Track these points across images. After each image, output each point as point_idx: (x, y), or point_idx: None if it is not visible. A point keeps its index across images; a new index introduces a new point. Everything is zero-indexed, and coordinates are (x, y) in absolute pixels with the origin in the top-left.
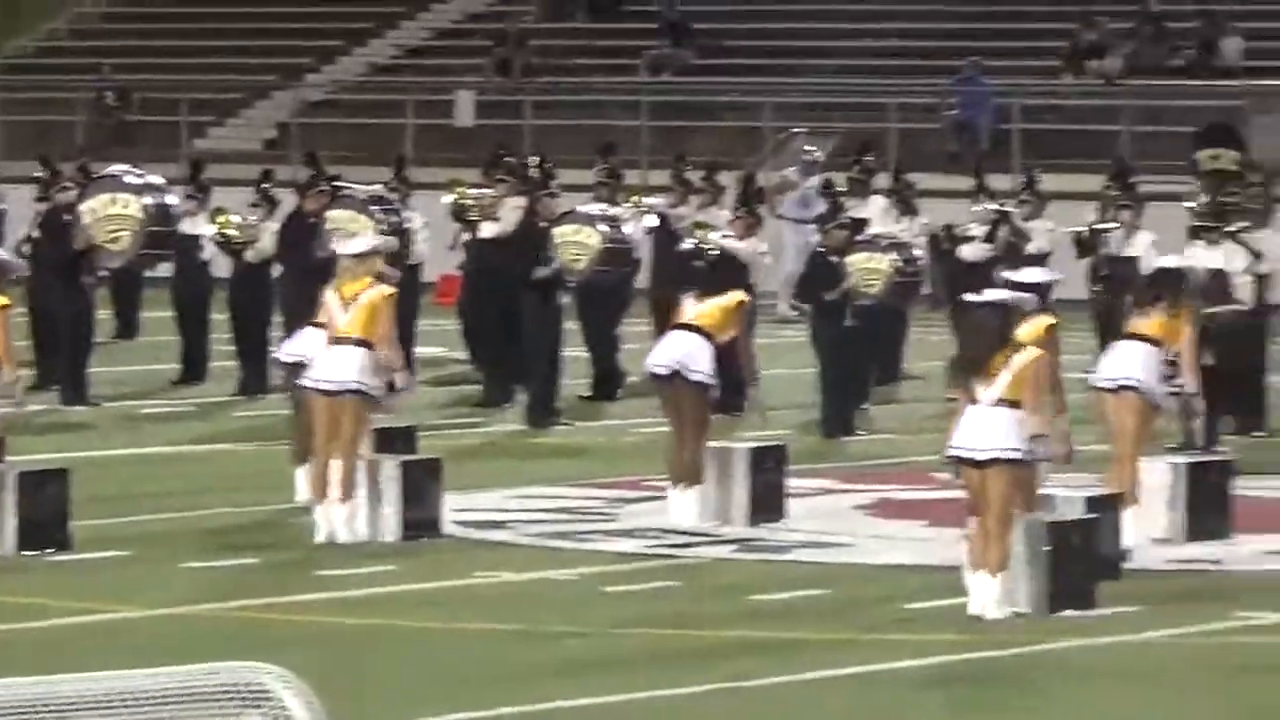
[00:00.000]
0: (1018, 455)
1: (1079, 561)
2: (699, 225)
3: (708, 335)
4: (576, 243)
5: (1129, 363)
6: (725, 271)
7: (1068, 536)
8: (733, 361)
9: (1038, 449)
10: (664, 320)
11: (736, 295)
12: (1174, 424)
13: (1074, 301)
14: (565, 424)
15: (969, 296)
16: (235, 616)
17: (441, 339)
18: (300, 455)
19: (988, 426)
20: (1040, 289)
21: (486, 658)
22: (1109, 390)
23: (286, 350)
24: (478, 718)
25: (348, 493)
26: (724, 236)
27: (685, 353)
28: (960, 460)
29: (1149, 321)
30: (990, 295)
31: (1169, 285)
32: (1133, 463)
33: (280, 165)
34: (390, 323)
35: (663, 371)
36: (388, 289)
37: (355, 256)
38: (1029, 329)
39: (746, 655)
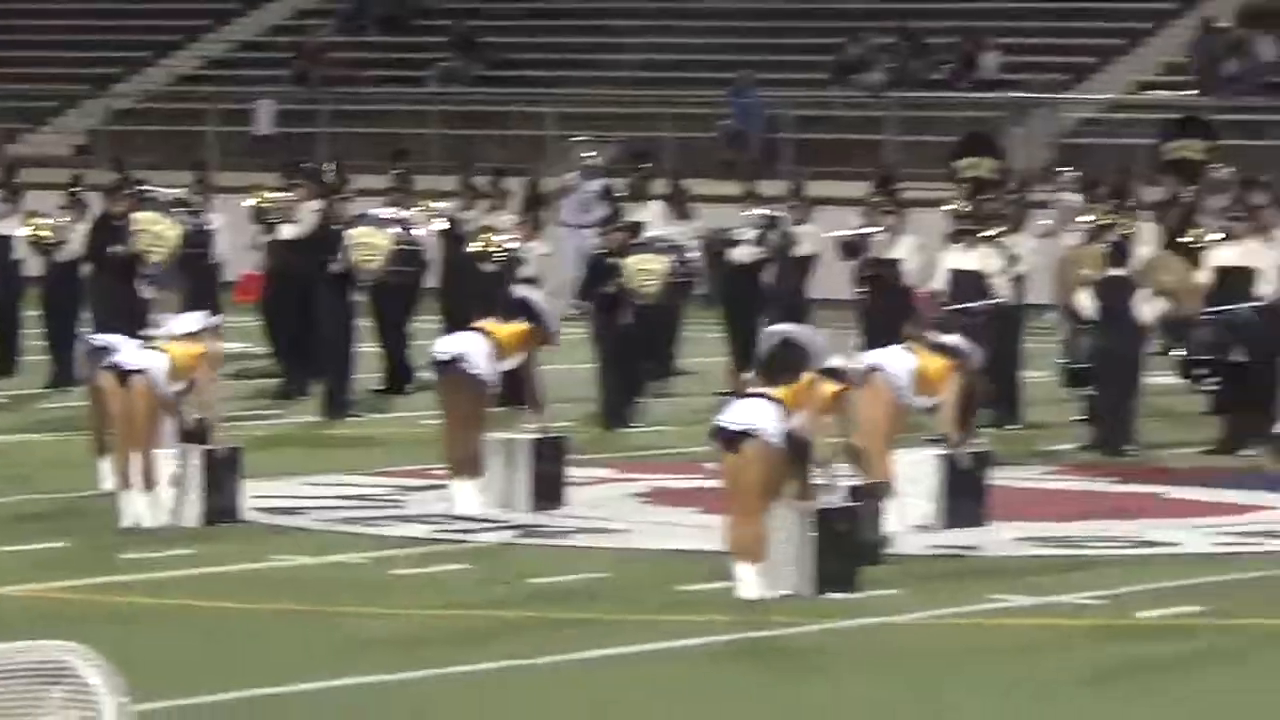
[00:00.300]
0: (773, 438)
1: (842, 547)
2: (485, 229)
3: (496, 343)
4: (369, 244)
5: (877, 355)
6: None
7: (832, 523)
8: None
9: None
10: (453, 317)
11: (526, 324)
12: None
13: (838, 302)
14: (358, 416)
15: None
16: (41, 598)
17: (242, 335)
18: (100, 446)
19: (748, 408)
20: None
21: (282, 637)
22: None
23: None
24: (274, 693)
25: (150, 481)
26: (509, 239)
27: (468, 348)
28: (718, 440)
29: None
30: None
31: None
32: (884, 455)
33: (90, 170)
34: (211, 384)
35: (444, 358)
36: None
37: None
38: None
39: (528, 635)
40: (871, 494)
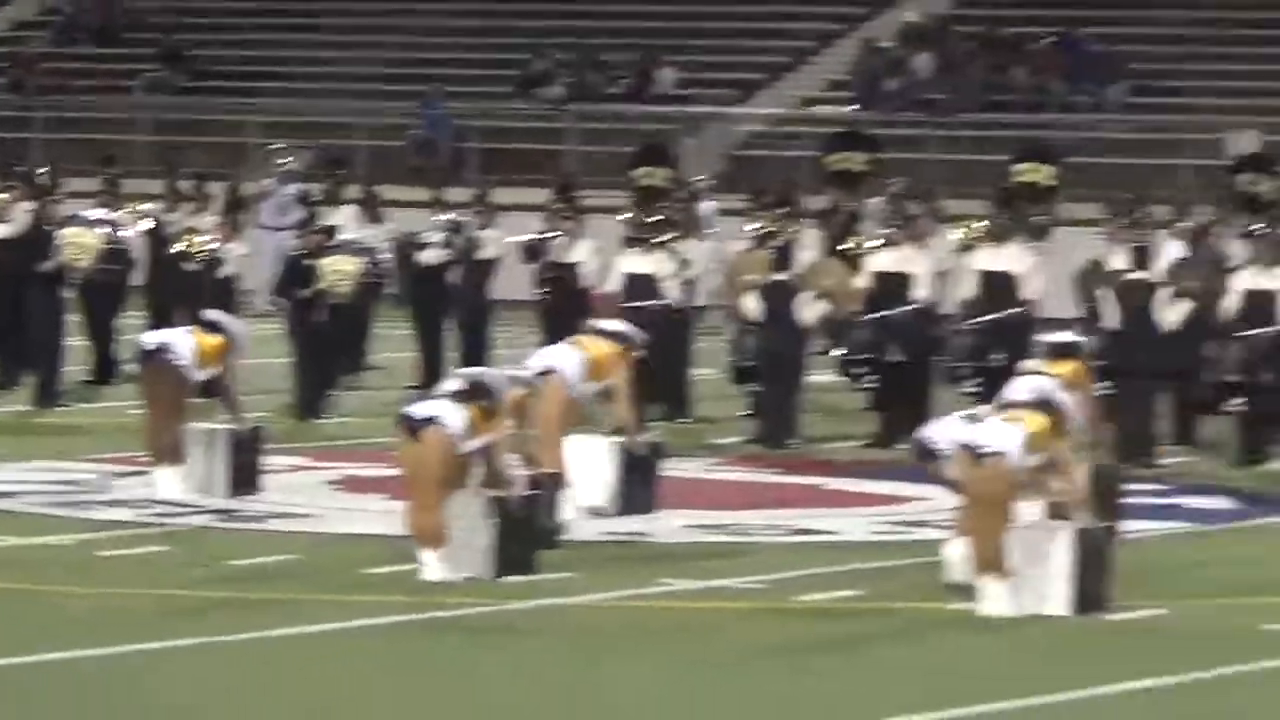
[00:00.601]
0: (453, 429)
1: (520, 533)
2: (188, 230)
3: (200, 351)
4: (79, 244)
5: (551, 355)
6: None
7: (510, 511)
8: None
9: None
10: (158, 312)
11: (221, 338)
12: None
13: (520, 302)
14: (67, 405)
15: None
16: None
17: None
18: None
19: (434, 403)
20: None
21: None
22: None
23: None
24: None
25: None
26: (210, 240)
27: (172, 340)
28: (402, 427)
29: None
30: None
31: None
32: (557, 447)
33: None
34: None
35: (150, 347)
36: None
37: None
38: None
39: (225, 613)
40: (547, 483)
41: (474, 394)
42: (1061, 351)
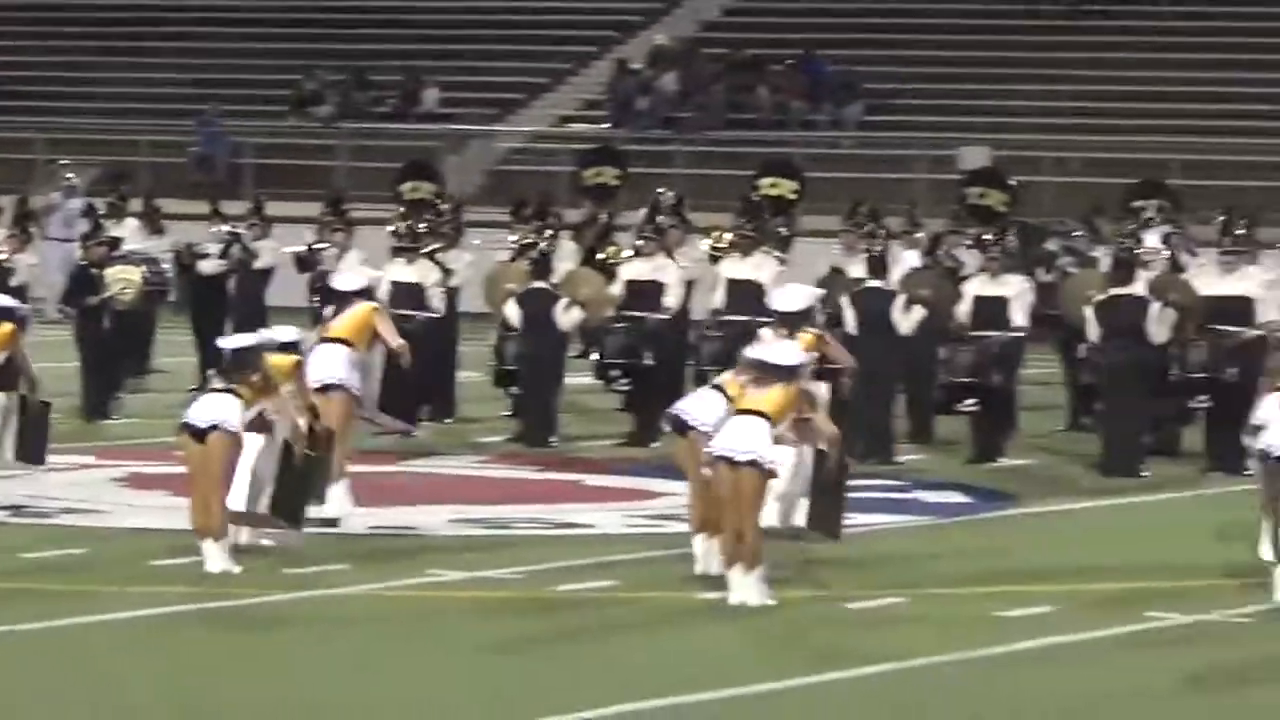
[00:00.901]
0: (233, 429)
1: (298, 482)
2: None
3: None
4: None
5: (329, 364)
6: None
7: (292, 461)
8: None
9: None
10: None
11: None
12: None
13: (294, 309)
14: None
15: None
16: None
17: None
18: None
19: (213, 403)
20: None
21: None
22: (318, 389)
23: None
24: None
25: None
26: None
27: None
28: (187, 433)
29: (342, 326)
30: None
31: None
32: (343, 445)
33: None
34: None
35: None
36: None
37: None
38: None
39: (18, 603)
40: (322, 441)
41: (239, 366)
42: (792, 321)
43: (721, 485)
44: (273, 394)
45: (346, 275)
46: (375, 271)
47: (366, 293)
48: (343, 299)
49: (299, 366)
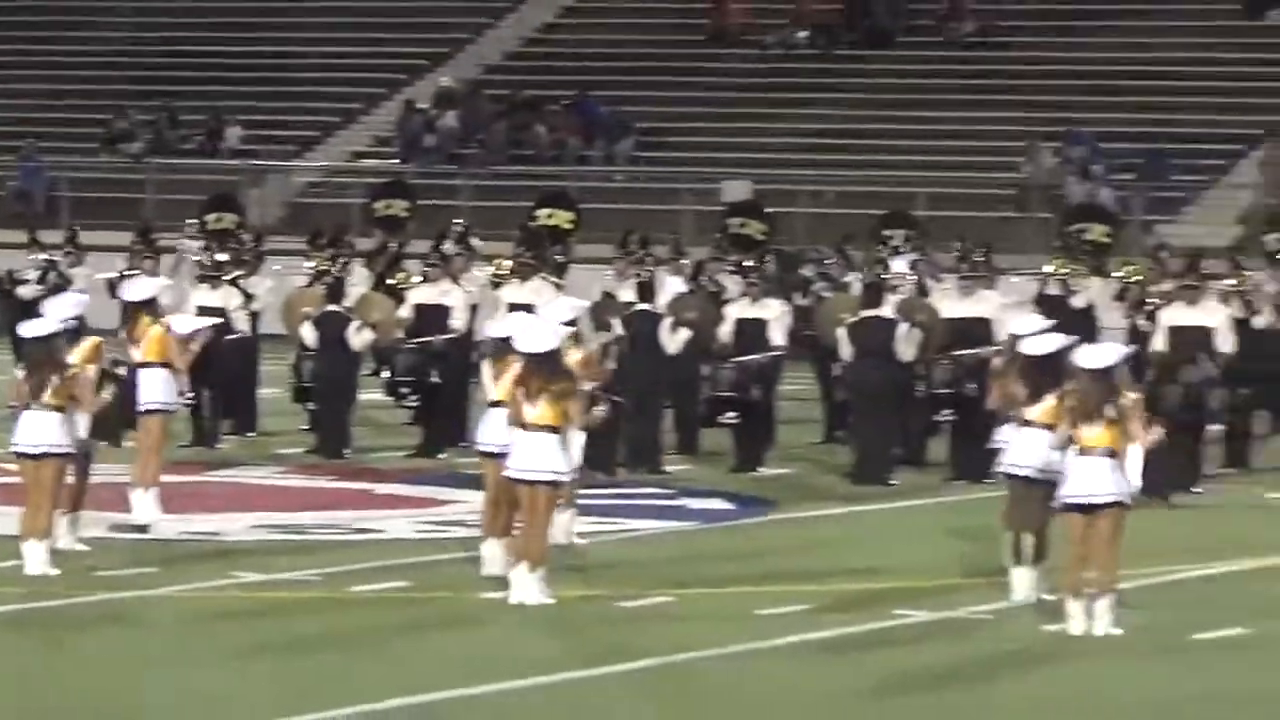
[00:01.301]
0: (60, 451)
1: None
2: None
3: None
4: None
5: (150, 389)
6: None
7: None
8: None
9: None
10: None
11: None
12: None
13: (106, 330)
14: None
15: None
16: None
17: None
18: None
19: (37, 424)
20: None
21: None
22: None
23: None
24: None
25: None
26: None
27: None
28: (20, 457)
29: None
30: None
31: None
32: (157, 456)
33: None
34: None
35: None
36: None
37: None
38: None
39: None
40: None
41: (44, 355)
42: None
43: (503, 487)
44: (73, 382)
45: (137, 283)
46: (181, 296)
47: (152, 303)
48: (131, 308)
49: (98, 349)
